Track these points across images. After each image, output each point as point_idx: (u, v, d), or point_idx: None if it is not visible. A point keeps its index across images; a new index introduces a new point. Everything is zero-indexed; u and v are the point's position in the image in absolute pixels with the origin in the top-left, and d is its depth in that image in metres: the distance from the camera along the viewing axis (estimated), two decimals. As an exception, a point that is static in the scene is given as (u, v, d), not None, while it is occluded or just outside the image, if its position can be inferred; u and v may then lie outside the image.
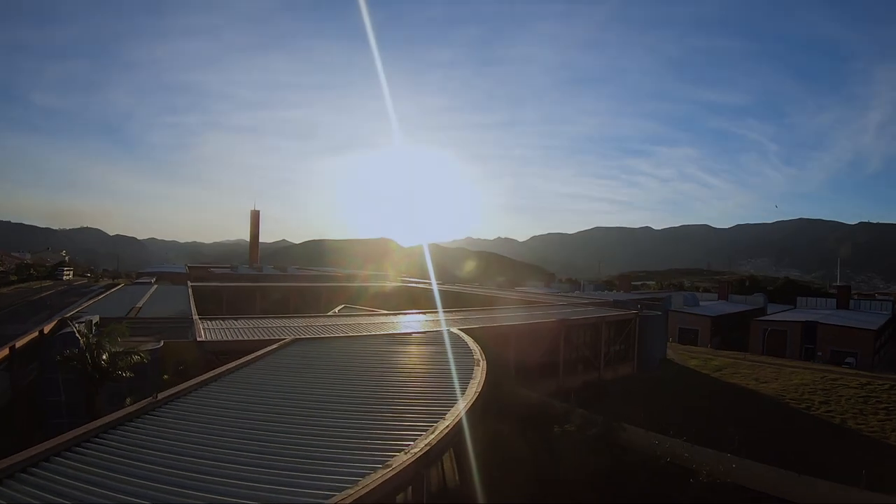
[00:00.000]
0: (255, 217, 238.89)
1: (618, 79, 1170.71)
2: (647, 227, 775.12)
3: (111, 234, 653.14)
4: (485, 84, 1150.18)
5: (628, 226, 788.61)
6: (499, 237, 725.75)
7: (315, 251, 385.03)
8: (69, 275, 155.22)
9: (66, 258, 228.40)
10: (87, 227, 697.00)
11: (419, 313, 56.97)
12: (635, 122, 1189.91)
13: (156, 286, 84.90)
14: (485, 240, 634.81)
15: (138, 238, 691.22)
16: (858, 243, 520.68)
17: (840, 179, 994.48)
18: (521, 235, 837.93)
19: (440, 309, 60.43)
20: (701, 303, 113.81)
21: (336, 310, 64.72)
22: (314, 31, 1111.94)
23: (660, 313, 70.02)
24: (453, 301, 78.63)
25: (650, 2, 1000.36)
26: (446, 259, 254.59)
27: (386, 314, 56.64)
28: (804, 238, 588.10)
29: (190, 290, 72.72)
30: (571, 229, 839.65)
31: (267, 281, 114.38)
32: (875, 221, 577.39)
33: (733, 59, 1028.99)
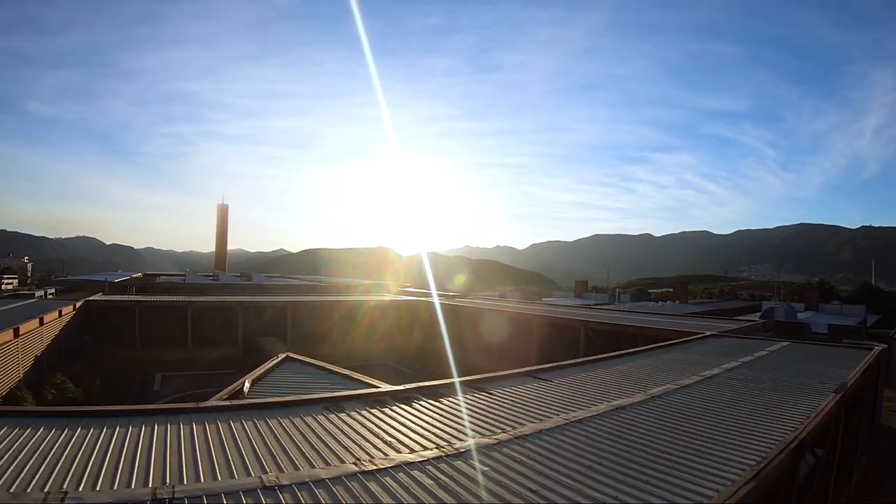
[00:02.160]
0: (224, 213, 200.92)
1: (616, 86, 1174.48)
2: (646, 234, 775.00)
3: (107, 244, 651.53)
4: (483, 92, 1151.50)
5: (627, 233, 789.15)
6: (498, 245, 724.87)
7: (313, 260, 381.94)
8: (12, 283, 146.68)
9: (29, 265, 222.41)
10: (83, 237, 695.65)
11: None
12: (633, 129, 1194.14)
13: (32, 301, 64.44)
14: (484, 248, 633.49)
15: (135, 247, 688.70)
16: (861, 247, 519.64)
17: (838, 183, 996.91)
18: (521, 243, 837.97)
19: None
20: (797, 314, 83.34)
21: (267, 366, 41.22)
22: (312, 41, 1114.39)
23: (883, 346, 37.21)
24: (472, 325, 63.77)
25: (647, 8, 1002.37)
26: (445, 268, 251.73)
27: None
28: (804, 243, 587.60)
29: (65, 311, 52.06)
30: (571, 237, 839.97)
31: (210, 293, 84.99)
32: (877, 225, 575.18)
33: (730, 65, 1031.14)
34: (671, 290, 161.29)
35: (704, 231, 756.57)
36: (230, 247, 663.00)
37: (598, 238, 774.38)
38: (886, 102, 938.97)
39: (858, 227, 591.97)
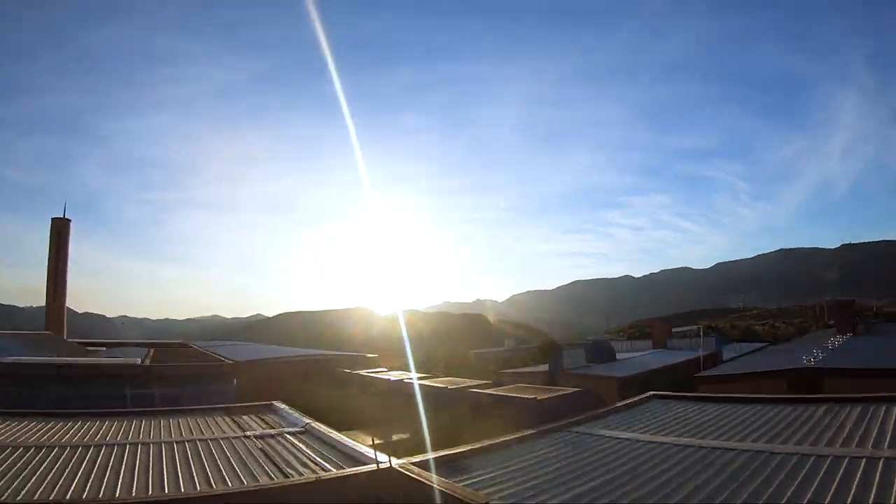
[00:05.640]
0: (62, 229, 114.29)
1: (586, 133, 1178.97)
2: (627, 276, 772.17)
3: (80, 312, 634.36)
4: (456, 147, 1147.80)
5: (608, 276, 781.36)
6: (477, 299, 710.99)
7: (289, 324, 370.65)
8: None
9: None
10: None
11: None
12: (606, 175, 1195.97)
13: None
14: (463, 302, 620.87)
15: (107, 315, 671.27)
16: (845, 264, 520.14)
17: (813, 206, 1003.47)
18: (500, 295, 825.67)
19: None
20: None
21: None
22: (285, 103, 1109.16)
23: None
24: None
25: (613, 53, 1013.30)
26: (425, 325, 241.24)
27: None
28: (787, 268, 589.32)
29: None
30: (551, 285, 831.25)
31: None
32: (856, 242, 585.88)
33: (698, 103, 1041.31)
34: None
35: (685, 267, 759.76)
36: (206, 314, 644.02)
37: (578, 284, 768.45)
38: (850, 123, 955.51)
39: (839, 245, 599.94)
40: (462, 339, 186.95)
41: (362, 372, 47.28)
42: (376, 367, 53.79)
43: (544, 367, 59.01)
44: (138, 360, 45.17)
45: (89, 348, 65.77)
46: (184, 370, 42.74)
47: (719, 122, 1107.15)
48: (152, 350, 58.32)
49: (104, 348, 66.06)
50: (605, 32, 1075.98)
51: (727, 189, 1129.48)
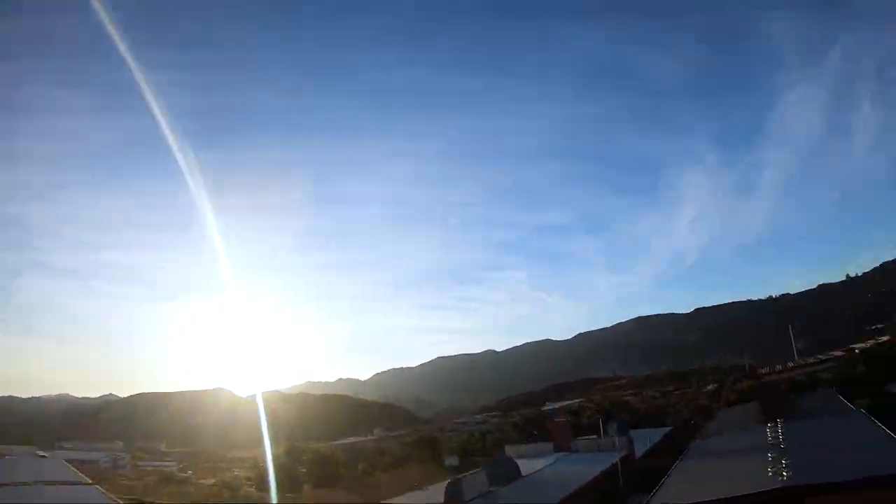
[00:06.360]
0: None
1: (449, 211, 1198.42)
2: (489, 350, 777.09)
3: None
4: (321, 224, 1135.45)
5: (470, 352, 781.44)
6: (340, 378, 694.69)
7: (142, 406, 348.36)
8: None
9: None
10: None
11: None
12: (467, 252, 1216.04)
13: None
14: (326, 382, 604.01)
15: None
16: (699, 328, 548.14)
17: (665, 275, 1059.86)
18: (363, 374, 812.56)
19: None
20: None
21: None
22: (145, 171, 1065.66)
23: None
24: None
25: (477, 137, 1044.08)
26: (288, 407, 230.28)
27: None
28: (644, 334, 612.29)
29: None
30: (414, 362, 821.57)
31: None
32: (708, 305, 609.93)
33: (559, 182, 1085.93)
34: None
35: (546, 339, 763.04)
36: (53, 392, 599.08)
37: (441, 360, 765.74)
38: (698, 197, 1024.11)
39: (692, 310, 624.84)
40: (327, 423, 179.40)
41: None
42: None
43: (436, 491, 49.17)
44: None
45: None
46: None
47: (578, 200, 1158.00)
48: None
49: None
50: (473, 115, 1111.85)
51: (585, 262, 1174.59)
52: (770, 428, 41.36)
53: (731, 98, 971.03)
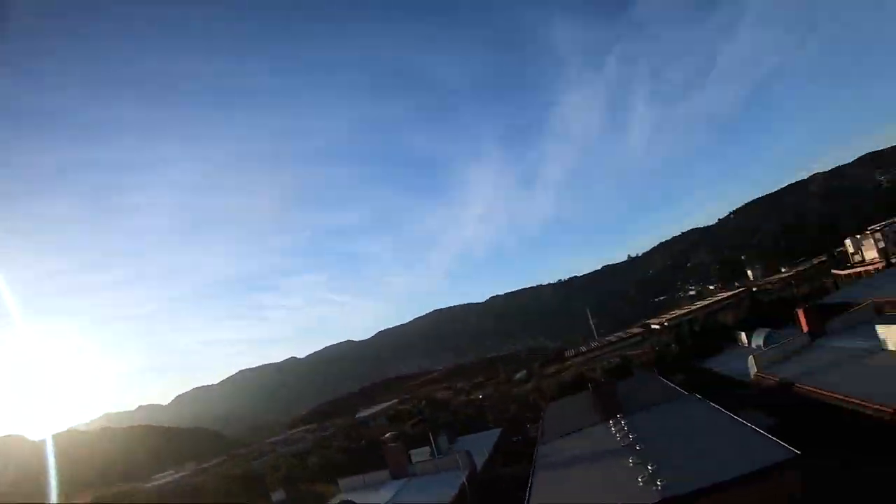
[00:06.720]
0: None
1: (238, 218, 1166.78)
2: (291, 358, 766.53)
3: None
4: (106, 237, 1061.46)
5: (272, 361, 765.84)
6: (140, 406, 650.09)
7: None
8: None
9: None
10: None
11: None
12: (258, 259, 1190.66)
13: None
14: (126, 412, 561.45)
15: None
16: (497, 315, 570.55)
17: (458, 268, 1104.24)
18: (165, 399, 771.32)
19: None
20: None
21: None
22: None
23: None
24: None
25: (267, 139, 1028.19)
26: (87, 449, 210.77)
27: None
28: (443, 327, 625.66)
29: None
30: (215, 378, 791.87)
31: None
32: (502, 293, 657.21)
33: (349, 184, 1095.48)
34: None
35: (347, 340, 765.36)
36: None
37: (244, 373, 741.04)
38: (485, 193, 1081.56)
39: (487, 298, 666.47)
40: (132, 461, 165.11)
41: None
42: None
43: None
44: None
45: None
46: None
47: (369, 201, 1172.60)
48: None
49: None
50: (259, 118, 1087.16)
51: (379, 261, 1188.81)
52: (613, 425, 40.81)
53: (515, 99, 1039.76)
